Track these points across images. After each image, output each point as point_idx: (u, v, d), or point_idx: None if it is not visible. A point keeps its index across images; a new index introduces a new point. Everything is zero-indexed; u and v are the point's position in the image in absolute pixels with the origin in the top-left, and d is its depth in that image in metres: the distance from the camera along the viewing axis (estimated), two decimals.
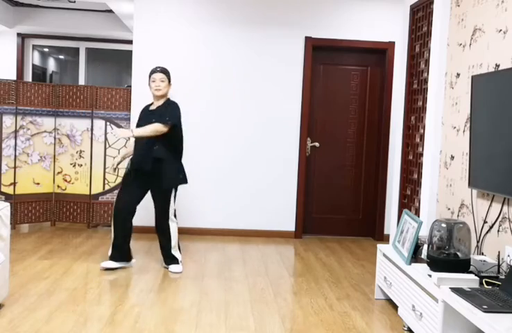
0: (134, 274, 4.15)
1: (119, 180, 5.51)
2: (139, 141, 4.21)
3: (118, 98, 5.64)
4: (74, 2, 6.73)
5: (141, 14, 5.57)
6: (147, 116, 4.21)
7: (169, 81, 4.25)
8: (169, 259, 4.30)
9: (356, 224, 5.93)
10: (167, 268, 4.30)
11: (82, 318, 3.20)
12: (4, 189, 5.40)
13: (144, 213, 5.63)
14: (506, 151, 2.83)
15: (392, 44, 5.70)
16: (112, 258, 4.23)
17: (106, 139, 5.63)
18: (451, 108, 3.75)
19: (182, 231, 5.62)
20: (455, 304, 2.47)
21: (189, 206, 5.66)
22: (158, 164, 4.12)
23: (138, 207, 4.29)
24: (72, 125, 5.63)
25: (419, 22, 4.41)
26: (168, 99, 4.27)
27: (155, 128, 4.03)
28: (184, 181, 4.33)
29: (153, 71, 4.24)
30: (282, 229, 5.73)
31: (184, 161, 5.58)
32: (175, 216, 4.31)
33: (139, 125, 4.25)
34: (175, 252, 4.29)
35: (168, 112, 4.13)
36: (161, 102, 4.25)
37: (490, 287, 2.63)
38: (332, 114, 5.84)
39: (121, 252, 4.24)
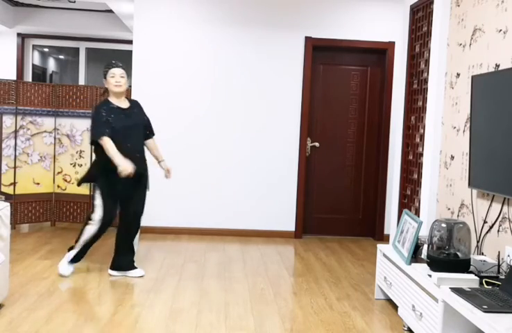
0: None
1: None
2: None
3: None
4: (74, 2, 6.73)
5: (141, 14, 5.57)
6: (123, 118, 3.94)
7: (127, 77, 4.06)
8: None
9: (356, 224, 5.93)
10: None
11: (82, 318, 3.20)
12: (4, 189, 5.40)
13: (144, 213, 5.64)
14: (506, 151, 2.83)
15: (392, 44, 5.70)
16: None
17: None
18: (451, 108, 3.75)
19: (182, 231, 5.64)
20: (455, 304, 2.47)
21: (189, 206, 5.66)
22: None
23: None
24: (72, 125, 5.63)
25: (419, 22, 4.41)
26: (131, 98, 4.09)
27: None
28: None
29: (112, 66, 3.95)
30: (282, 229, 5.73)
31: (185, 161, 5.64)
32: (90, 218, 3.93)
33: (116, 126, 3.85)
34: (71, 251, 4.03)
35: (149, 124, 4.16)
36: (126, 100, 4.06)
37: (490, 287, 2.63)
38: (332, 114, 5.84)
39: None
